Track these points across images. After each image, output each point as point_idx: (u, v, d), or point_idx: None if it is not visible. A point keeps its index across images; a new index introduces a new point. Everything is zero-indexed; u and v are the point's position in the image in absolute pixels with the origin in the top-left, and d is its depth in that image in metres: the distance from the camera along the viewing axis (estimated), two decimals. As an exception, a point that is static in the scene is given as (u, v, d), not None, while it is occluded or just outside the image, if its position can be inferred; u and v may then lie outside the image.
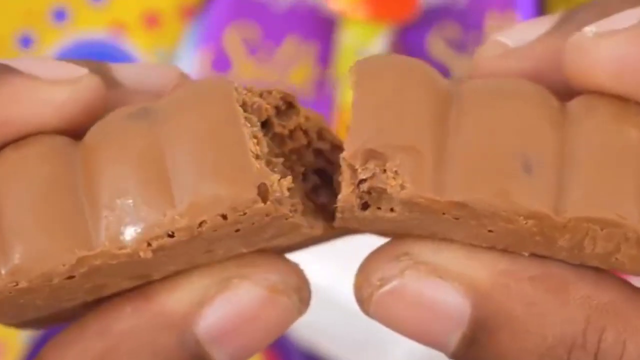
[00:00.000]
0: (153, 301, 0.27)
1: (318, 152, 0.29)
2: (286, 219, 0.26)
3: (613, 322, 0.26)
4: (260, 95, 0.27)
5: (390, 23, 0.59)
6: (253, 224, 0.26)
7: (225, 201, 0.25)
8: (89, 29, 0.62)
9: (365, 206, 0.27)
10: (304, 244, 0.31)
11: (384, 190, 0.26)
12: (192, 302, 0.27)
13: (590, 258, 0.26)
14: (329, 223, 0.29)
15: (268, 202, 0.25)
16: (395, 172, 0.26)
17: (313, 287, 0.61)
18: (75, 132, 0.28)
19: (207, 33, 0.61)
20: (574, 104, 0.27)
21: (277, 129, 0.27)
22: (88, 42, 0.61)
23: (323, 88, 0.61)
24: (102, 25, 0.61)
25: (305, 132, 0.28)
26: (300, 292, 0.29)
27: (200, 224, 0.25)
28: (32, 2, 0.61)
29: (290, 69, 0.61)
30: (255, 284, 0.27)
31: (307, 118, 0.28)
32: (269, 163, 0.26)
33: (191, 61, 0.61)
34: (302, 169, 0.28)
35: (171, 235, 0.25)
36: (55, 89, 0.27)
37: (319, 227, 0.28)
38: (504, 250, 0.27)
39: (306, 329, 0.57)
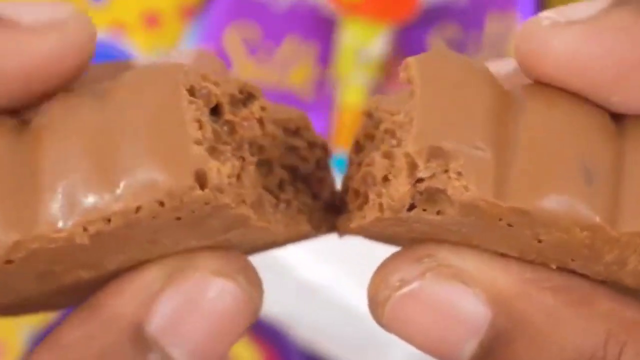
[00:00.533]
0: (102, 306, 0.26)
1: (293, 149, 0.28)
2: (230, 209, 0.25)
3: (635, 337, 0.26)
4: (216, 84, 0.26)
5: (390, 23, 0.59)
6: (193, 212, 0.24)
7: (161, 187, 0.24)
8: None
9: (411, 207, 0.25)
10: (277, 243, 0.30)
11: (439, 191, 0.25)
12: (140, 301, 0.26)
13: (628, 275, 0.26)
14: (312, 223, 0.28)
15: (206, 190, 0.24)
16: (459, 173, 0.24)
17: (313, 287, 0.61)
18: (66, 83, 0.25)
19: (207, 33, 0.61)
20: (629, 119, 0.26)
21: (228, 117, 0.26)
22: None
23: (323, 88, 0.61)
24: (102, 25, 0.61)
25: (261, 122, 0.27)
26: (246, 273, 0.27)
27: (137, 210, 0.24)
28: (32, 2, 0.61)
29: (290, 69, 0.61)
30: (199, 271, 0.26)
31: (263, 108, 0.26)
32: (213, 150, 0.25)
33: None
34: (254, 160, 0.27)
35: (108, 221, 0.24)
36: (38, 36, 0.24)
37: (278, 224, 0.27)
38: (530, 261, 0.26)
39: (306, 329, 0.57)
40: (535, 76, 0.26)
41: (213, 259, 0.26)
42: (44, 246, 0.25)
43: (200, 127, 0.24)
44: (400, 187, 0.25)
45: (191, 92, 0.25)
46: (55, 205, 0.24)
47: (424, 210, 0.25)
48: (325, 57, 0.61)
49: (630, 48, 0.25)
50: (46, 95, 0.25)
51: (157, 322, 0.26)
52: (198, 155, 0.24)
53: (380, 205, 0.26)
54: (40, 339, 0.27)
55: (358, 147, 0.28)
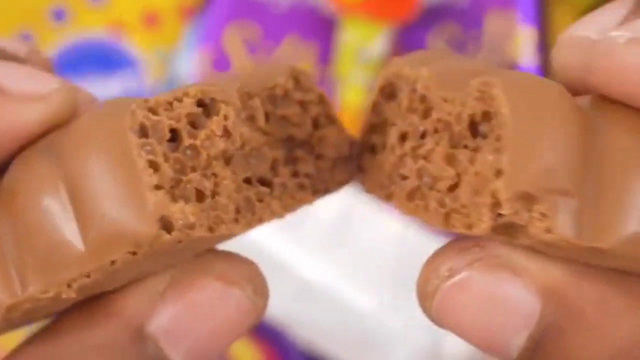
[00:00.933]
0: (104, 303, 0.26)
1: (283, 119, 0.28)
2: (207, 236, 0.25)
3: None
4: (170, 105, 0.25)
5: (390, 23, 0.59)
6: (169, 249, 0.25)
7: (129, 239, 0.24)
8: (88, 28, 0.62)
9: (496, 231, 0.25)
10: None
11: (522, 226, 0.25)
12: (145, 301, 0.26)
13: None
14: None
15: (174, 232, 0.24)
16: (543, 214, 0.24)
17: (313, 287, 0.61)
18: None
19: (207, 33, 0.61)
20: None
21: (187, 142, 0.25)
22: (87, 41, 0.61)
23: (323, 88, 0.61)
24: (101, 24, 0.61)
25: (227, 133, 0.26)
26: (254, 283, 0.27)
27: (112, 263, 0.24)
28: (32, 2, 0.61)
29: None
30: (206, 276, 0.26)
31: (226, 117, 0.26)
32: (177, 184, 0.25)
33: (191, 61, 0.61)
34: (228, 173, 0.26)
35: (87, 276, 0.24)
36: (25, 106, 0.26)
37: (271, 214, 0.27)
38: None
39: (306, 329, 0.57)
40: (613, 93, 0.26)
41: (221, 264, 0.27)
42: (37, 303, 0.25)
43: (157, 169, 0.24)
44: (483, 223, 0.25)
45: (143, 130, 0.24)
46: (37, 268, 0.24)
47: (498, 234, 0.25)
48: (325, 56, 0.61)
49: None
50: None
51: (158, 323, 0.26)
52: (158, 202, 0.24)
53: (447, 216, 0.26)
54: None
55: (377, 108, 0.29)
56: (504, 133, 0.24)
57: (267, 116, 0.27)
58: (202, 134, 0.25)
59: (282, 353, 0.58)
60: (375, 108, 0.29)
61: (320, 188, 0.28)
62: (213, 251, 0.27)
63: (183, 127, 0.25)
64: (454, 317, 0.26)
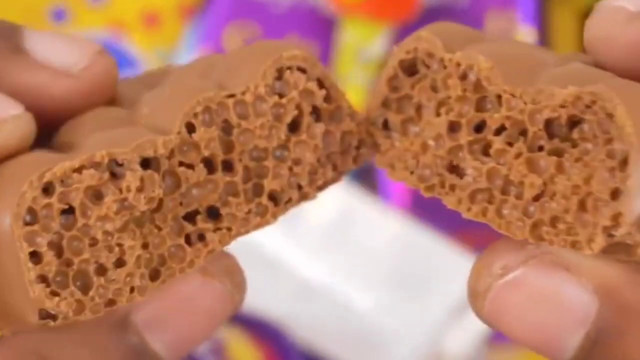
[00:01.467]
0: None
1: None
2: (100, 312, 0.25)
3: None
4: (68, 183, 0.25)
5: (390, 23, 0.59)
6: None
7: (21, 323, 0.25)
8: (88, 28, 0.62)
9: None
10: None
11: (629, 246, 0.24)
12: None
13: None
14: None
15: (59, 320, 0.24)
16: None
17: (313, 287, 0.61)
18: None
19: (206, 32, 0.61)
20: None
21: (80, 222, 0.25)
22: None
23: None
24: (101, 24, 0.61)
25: (123, 208, 0.25)
26: (233, 276, 0.27)
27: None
28: (31, 2, 0.61)
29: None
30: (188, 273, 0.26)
31: (128, 189, 0.25)
32: (68, 265, 0.25)
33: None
34: (139, 241, 0.26)
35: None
36: (62, 80, 0.26)
37: (237, 233, 0.26)
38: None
39: (306, 329, 0.57)
40: (607, 62, 0.25)
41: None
42: None
43: (39, 261, 0.24)
44: (595, 244, 0.24)
45: (31, 214, 0.24)
46: None
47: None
48: (325, 56, 0.61)
49: None
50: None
51: (141, 314, 0.26)
52: (35, 298, 0.24)
53: (535, 227, 0.25)
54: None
55: (394, 83, 0.27)
56: (632, 156, 0.23)
57: (229, 129, 0.26)
58: (95, 213, 0.25)
59: (281, 353, 0.58)
60: (391, 82, 0.27)
61: (300, 196, 0.27)
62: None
63: (78, 204, 0.25)
64: (508, 316, 0.25)
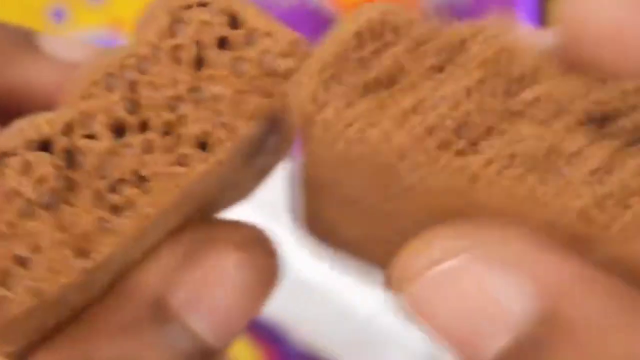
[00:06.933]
0: (125, 288, 0.26)
1: None
2: None
3: None
4: None
5: (390, 22, 0.59)
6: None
7: None
8: (88, 28, 0.62)
9: None
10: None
11: None
12: (162, 275, 0.26)
13: None
14: None
15: None
16: None
17: (313, 287, 0.61)
18: None
19: (206, 32, 0.61)
20: None
21: None
22: (87, 41, 0.61)
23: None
24: (101, 23, 0.61)
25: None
26: (262, 243, 0.26)
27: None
28: (31, 3, 0.61)
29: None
30: (223, 245, 0.26)
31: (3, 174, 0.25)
32: None
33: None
34: None
35: None
36: (66, 76, 0.27)
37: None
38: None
39: (306, 329, 0.57)
40: (575, 52, 0.23)
41: (230, 232, 0.26)
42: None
43: None
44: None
45: None
46: None
47: None
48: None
49: None
50: None
51: (179, 295, 0.26)
52: None
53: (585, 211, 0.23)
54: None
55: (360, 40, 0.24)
56: None
57: (135, 87, 0.25)
58: None
59: (282, 353, 0.58)
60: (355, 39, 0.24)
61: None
62: (221, 220, 0.27)
63: None
64: (432, 307, 0.23)
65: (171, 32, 0.25)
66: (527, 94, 0.23)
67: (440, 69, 0.24)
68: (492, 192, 0.23)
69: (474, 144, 0.23)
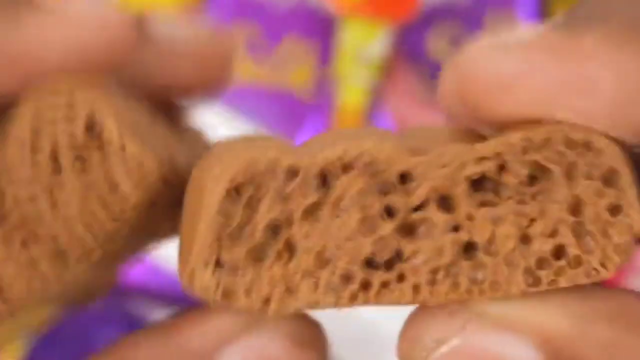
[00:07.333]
0: (177, 333, 0.26)
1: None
2: None
3: None
4: None
5: (390, 23, 0.59)
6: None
7: None
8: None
9: None
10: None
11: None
12: (216, 338, 0.26)
13: None
14: None
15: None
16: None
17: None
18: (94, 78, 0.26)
19: (206, 33, 0.61)
20: None
21: None
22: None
23: (323, 88, 0.61)
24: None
25: None
26: (318, 348, 0.27)
27: None
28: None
29: (290, 69, 0.61)
30: (278, 332, 0.26)
31: None
32: None
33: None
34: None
35: None
36: (81, 30, 0.25)
37: None
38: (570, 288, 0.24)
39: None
40: (466, 103, 0.24)
41: (287, 324, 0.27)
42: None
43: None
44: (612, 263, 0.24)
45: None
46: None
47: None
48: (325, 57, 0.61)
49: (557, 66, 0.23)
50: None
51: None
52: None
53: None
54: (44, 342, 0.27)
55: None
56: (627, 199, 0.23)
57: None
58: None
59: (281, 354, 0.58)
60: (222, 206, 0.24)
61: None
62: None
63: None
64: None
65: (33, 132, 0.25)
66: (414, 200, 0.24)
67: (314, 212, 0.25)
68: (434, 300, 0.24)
69: (389, 268, 0.25)
